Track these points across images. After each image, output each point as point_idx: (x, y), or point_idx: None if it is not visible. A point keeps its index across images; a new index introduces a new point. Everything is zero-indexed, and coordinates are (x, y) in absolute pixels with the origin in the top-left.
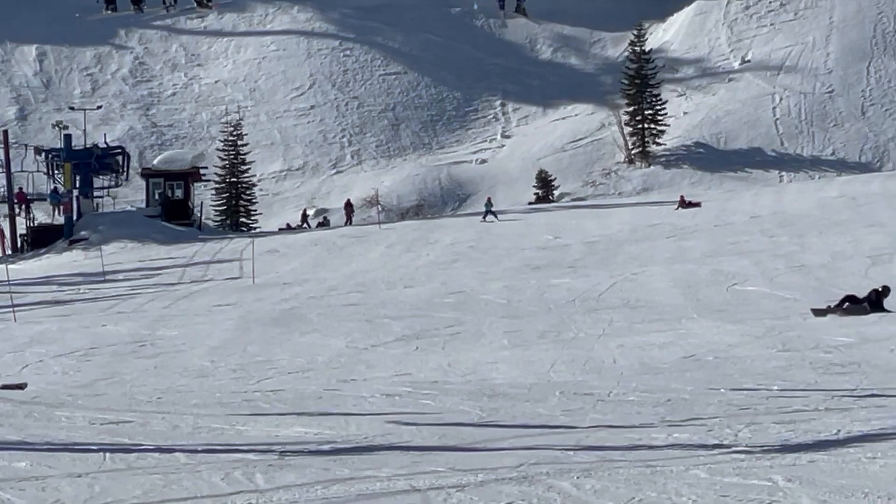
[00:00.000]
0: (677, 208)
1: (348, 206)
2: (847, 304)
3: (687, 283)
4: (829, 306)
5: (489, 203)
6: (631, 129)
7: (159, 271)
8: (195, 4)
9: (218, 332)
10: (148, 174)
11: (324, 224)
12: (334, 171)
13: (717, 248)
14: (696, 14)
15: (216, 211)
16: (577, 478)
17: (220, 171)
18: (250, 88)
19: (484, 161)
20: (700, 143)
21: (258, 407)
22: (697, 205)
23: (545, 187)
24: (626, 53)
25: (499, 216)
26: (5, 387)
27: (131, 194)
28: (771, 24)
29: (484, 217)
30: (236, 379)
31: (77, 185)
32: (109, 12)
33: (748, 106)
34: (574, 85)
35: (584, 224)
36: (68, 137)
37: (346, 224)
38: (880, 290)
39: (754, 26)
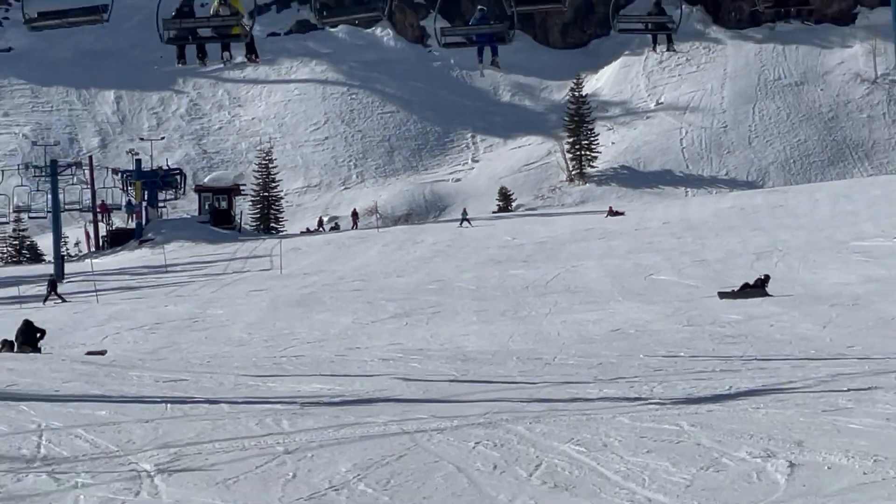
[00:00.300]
0: (607, 216)
1: (354, 215)
2: (748, 289)
3: (614, 274)
4: (733, 290)
5: (465, 212)
6: (571, 155)
7: (208, 264)
8: (245, 60)
9: (253, 311)
10: (200, 190)
11: (335, 228)
12: (343, 187)
13: (637, 246)
14: (622, 67)
15: (252, 218)
16: (530, 423)
17: (255, 187)
18: (279, 124)
19: (458, 180)
20: (624, 166)
21: (284, 369)
22: (622, 214)
23: (505, 200)
24: (568, 97)
25: (472, 222)
26: (90, 353)
27: (187, 205)
28: (679, 75)
29: (461, 223)
30: (267, 347)
31: (145, 198)
32: (181, 65)
33: (661, 137)
34: (528, 122)
35: (535, 228)
36: (139, 162)
37: (352, 228)
38: (763, 277)
39: (666, 76)
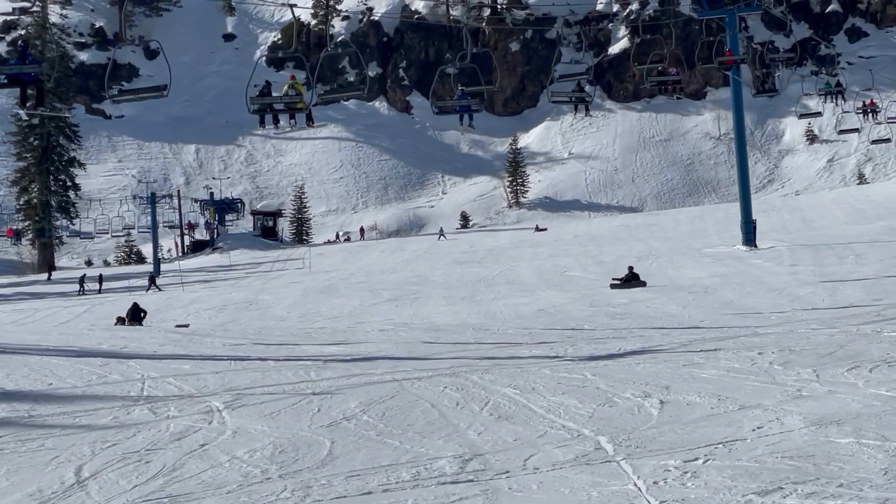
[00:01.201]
0: (535, 231)
1: (361, 231)
2: (623, 281)
3: (540, 271)
4: (619, 281)
5: (441, 230)
6: (510, 189)
7: (260, 264)
8: (306, 125)
9: (291, 297)
10: (254, 213)
11: (347, 240)
12: (353, 211)
13: (556, 252)
14: (545, 128)
15: (290, 232)
16: (481, 374)
17: (292, 211)
18: (309, 167)
19: (433, 206)
20: (546, 197)
21: (312, 336)
22: (545, 230)
23: (465, 221)
24: (508, 149)
25: (447, 237)
26: (178, 326)
27: (245, 224)
28: (584, 133)
29: (439, 238)
30: (301, 321)
31: (216, 219)
32: (262, 128)
33: (572, 177)
34: (481, 166)
35: (486, 240)
36: (212, 194)
37: (360, 239)
38: (629, 270)
39: (576, 134)
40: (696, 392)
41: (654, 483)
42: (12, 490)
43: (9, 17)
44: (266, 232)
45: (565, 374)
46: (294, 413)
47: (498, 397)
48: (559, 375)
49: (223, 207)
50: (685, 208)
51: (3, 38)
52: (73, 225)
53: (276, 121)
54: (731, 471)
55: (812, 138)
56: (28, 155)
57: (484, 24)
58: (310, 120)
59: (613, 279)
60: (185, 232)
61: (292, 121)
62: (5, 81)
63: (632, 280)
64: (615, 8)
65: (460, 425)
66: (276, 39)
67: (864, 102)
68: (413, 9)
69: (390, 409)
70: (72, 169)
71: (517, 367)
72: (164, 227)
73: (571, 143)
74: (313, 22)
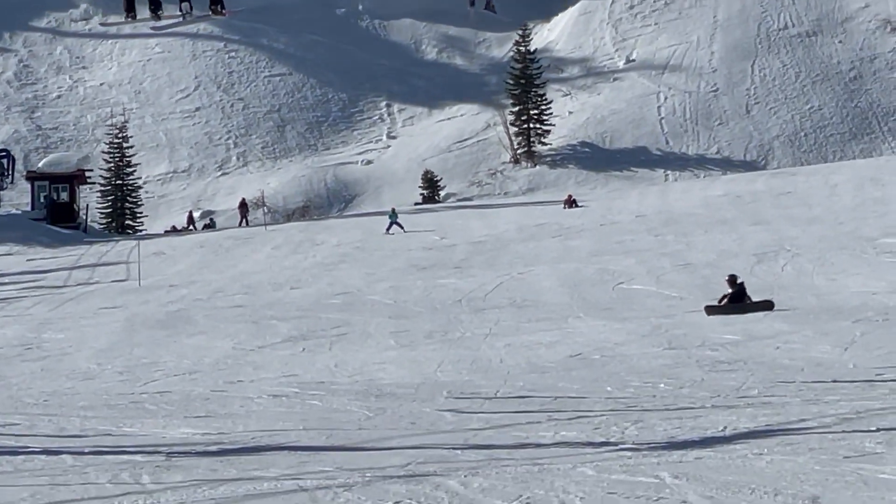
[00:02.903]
0: (564, 207)
1: (243, 206)
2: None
3: (573, 282)
4: (723, 301)
5: (393, 213)
6: (516, 129)
7: (45, 274)
8: (209, 13)
9: (104, 334)
10: (33, 177)
11: (210, 226)
12: (220, 172)
13: (602, 247)
14: (581, 14)
15: (102, 213)
16: (465, 476)
17: (105, 174)
18: (135, 91)
19: (370, 162)
20: (585, 143)
21: (145, 409)
22: (581, 205)
23: (431, 188)
24: (511, 53)
25: (404, 228)
26: None
27: (16, 197)
28: (655, 24)
29: (388, 229)
30: (123, 381)
31: None
32: (130, 18)
33: (633, 105)
34: (459, 85)
35: (470, 224)
36: None
37: (241, 224)
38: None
39: (639, 25)
40: None
41: None
42: None
43: None
44: (56, 213)
45: (623, 477)
46: None
47: None
48: (611, 479)
49: None
50: (845, 162)
51: None
52: None
53: (154, 6)
54: None
55: None
56: None
57: None
58: (216, 3)
59: (711, 304)
60: None
61: (185, 4)
62: None
63: (742, 299)
64: None
65: None
66: None
67: None
68: None
69: None
70: None
71: (532, 464)
72: None
73: (632, 41)
74: None
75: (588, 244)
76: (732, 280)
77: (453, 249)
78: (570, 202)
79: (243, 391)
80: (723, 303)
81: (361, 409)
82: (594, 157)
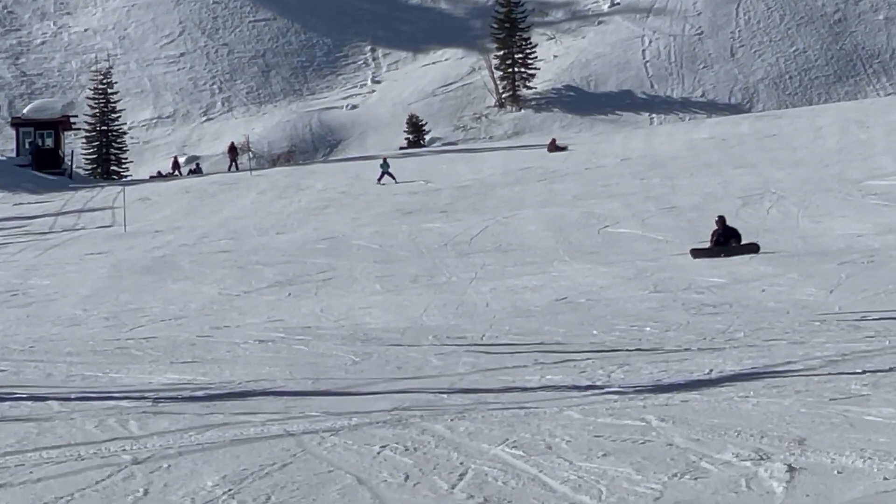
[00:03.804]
0: (549, 151)
1: (232, 150)
2: (726, 242)
3: (558, 226)
4: (709, 244)
5: (385, 163)
6: (501, 73)
7: (30, 221)
8: None
9: (90, 280)
10: (18, 123)
11: (196, 171)
12: (205, 118)
13: (587, 190)
14: None
15: (87, 159)
16: (451, 420)
17: (90, 120)
18: (119, 36)
19: (354, 107)
20: (570, 87)
21: (131, 355)
22: (565, 149)
23: (416, 132)
24: None
25: (395, 177)
26: None
27: (1, 144)
28: None
29: (380, 179)
30: (109, 327)
31: None
32: None
33: (618, 49)
34: (444, 30)
35: (455, 168)
36: None
37: (230, 168)
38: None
39: None
40: (854, 449)
41: None
42: None
43: None
44: (41, 159)
45: (609, 420)
46: (99, 499)
47: (483, 464)
48: (597, 422)
49: None
50: (830, 104)
51: None
52: None
53: None
54: None
55: None
56: None
57: None
58: None
59: (696, 247)
60: None
61: None
62: None
63: (729, 242)
64: None
65: None
66: None
67: None
68: None
69: (281, 487)
70: None
71: (519, 408)
72: None
73: None
74: None
75: (573, 188)
76: (722, 222)
77: (438, 194)
78: (554, 146)
79: (229, 336)
80: (710, 244)
81: (347, 354)
82: (579, 101)
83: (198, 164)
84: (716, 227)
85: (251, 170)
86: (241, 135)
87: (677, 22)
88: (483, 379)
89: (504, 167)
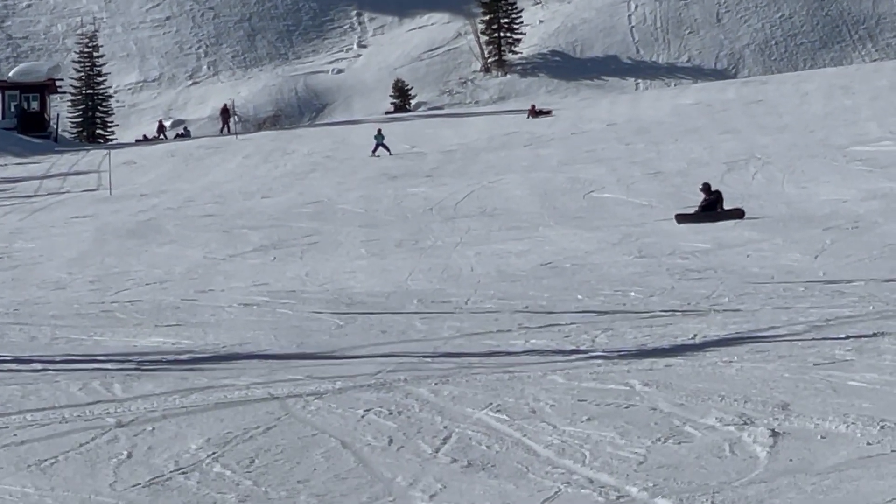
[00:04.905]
0: (529, 117)
1: (225, 112)
2: (711, 207)
3: (543, 191)
4: (696, 211)
5: (379, 134)
6: (487, 37)
7: (15, 184)
8: None
9: (75, 244)
10: (3, 86)
11: (184, 136)
12: (191, 82)
13: (573, 155)
14: None
15: (72, 123)
16: (435, 384)
17: (75, 83)
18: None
19: (340, 71)
20: (556, 52)
21: (115, 318)
22: (548, 113)
23: (402, 97)
24: None
25: (391, 150)
26: None
27: None
28: None
29: (374, 150)
30: (93, 290)
31: None
32: None
33: (603, 13)
34: None
35: (440, 133)
36: None
37: (221, 132)
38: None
39: None
40: (837, 414)
41: None
42: None
43: None
44: (27, 122)
45: (593, 385)
46: (84, 462)
47: (466, 428)
48: (581, 387)
49: None
50: (816, 70)
51: None
52: None
53: None
54: None
55: None
56: None
57: None
58: None
59: (681, 213)
60: None
61: None
62: None
63: (715, 207)
64: None
65: (397, 481)
66: None
67: None
68: None
69: (265, 451)
70: None
71: (503, 372)
72: None
73: None
74: None
75: (558, 153)
76: (707, 187)
77: (424, 158)
78: (535, 112)
79: (214, 300)
80: (697, 209)
81: (332, 318)
82: (565, 66)
83: (186, 129)
84: (704, 196)
85: (237, 133)
86: (227, 98)
87: None
88: (467, 343)
89: (489, 132)
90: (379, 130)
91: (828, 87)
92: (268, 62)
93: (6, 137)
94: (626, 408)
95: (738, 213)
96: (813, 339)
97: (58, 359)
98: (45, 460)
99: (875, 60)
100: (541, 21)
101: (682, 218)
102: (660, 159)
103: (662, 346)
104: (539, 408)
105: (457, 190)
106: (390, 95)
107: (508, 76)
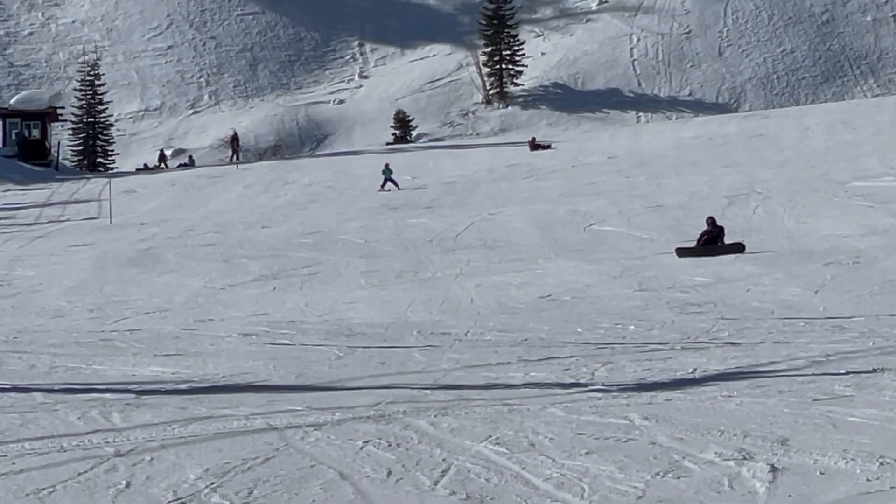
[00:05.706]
0: (530, 150)
1: (234, 140)
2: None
3: (544, 223)
4: (697, 245)
5: (387, 169)
6: (489, 69)
7: (15, 211)
8: None
9: (75, 272)
10: (4, 114)
11: (188, 165)
12: (192, 111)
13: (574, 188)
14: None
15: (73, 151)
16: (434, 416)
17: (77, 112)
18: (107, 28)
19: (342, 101)
20: (558, 84)
21: (115, 347)
22: (548, 147)
23: (403, 128)
24: None
25: (398, 184)
26: None
27: None
28: None
29: (382, 185)
30: (93, 319)
31: None
32: None
33: (605, 47)
34: (432, 25)
35: (441, 164)
36: None
37: (231, 160)
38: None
39: None
40: (837, 450)
41: None
42: None
43: None
44: (28, 150)
45: (593, 418)
46: (82, 491)
47: (466, 460)
48: (581, 420)
49: None
50: (817, 105)
51: None
52: None
53: None
54: None
55: None
56: None
57: None
58: None
59: (682, 246)
60: None
61: None
62: None
63: (716, 241)
64: None
65: None
66: None
67: None
68: None
69: (263, 481)
70: None
71: (502, 405)
72: None
73: None
74: None
75: (559, 185)
76: (712, 222)
77: (424, 190)
78: (535, 145)
79: (213, 330)
80: (697, 243)
81: (331, 349)
82: (566, 99)
83: (191, 157)
84: (707, 228)
85: (238, 163)
86: (228, 128)
87: (665, 20)
88: (467, 375)
89: (490, 164)
90: (387, 165)
91: (829, 122)
92: (269, 92)
93: (7, 165)
94: (626, 442)
95: (738, 248)
96: (813, 374)
97: (57, 387)
98: (44, 489)
99: (877, 96)
100: (542, 53)
101: (682, 252)
102: (660, 192)
103: (662, 379)
104: (538, 441)
105: (457, 221)
106: (391, 126)
107: (510, 108)
